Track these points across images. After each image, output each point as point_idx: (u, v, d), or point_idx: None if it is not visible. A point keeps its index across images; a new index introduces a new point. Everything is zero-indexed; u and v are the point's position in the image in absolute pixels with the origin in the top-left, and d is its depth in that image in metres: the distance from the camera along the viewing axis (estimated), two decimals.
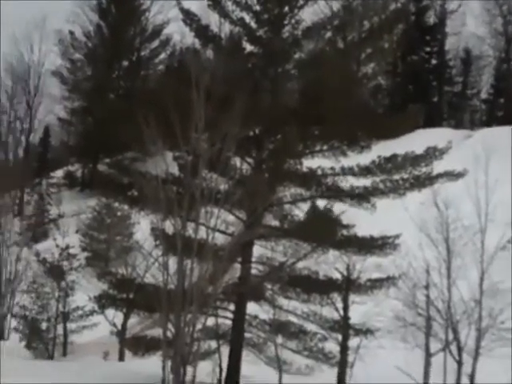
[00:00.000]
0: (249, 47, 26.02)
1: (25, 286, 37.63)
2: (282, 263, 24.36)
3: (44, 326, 35.29)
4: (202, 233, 19.58)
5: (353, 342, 24.81)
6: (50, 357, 34.30)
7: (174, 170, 23.02)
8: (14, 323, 38.12)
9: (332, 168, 24.24)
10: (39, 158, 77.70)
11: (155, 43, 75.40)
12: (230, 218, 23.19)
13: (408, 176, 23.95)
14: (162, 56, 75.69)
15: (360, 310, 24.73)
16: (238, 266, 24.36)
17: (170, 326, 19.04)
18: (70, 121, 78.40)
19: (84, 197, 65.71)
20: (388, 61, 64.88)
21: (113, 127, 44.92)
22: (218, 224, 20.09)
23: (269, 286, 24.61)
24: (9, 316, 40.53)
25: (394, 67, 65.11)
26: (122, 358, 33.61)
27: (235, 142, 20.33)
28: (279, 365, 23.75)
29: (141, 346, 26.09)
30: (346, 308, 24.90)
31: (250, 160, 24.95)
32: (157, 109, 20.39)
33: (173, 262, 19.48)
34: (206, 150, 20.18)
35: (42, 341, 35.08)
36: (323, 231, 23.43)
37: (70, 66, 76.33)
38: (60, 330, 35.38)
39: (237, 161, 24.17)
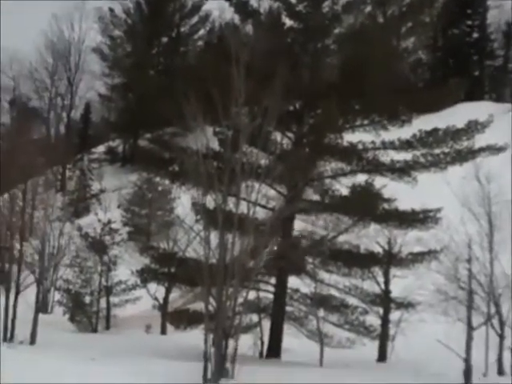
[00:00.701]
0: (288, 22, 25.94)
1: (68, 261, 38.01)
2: (323, 237, 24.37)
3: (87, 299, 35.69)
4: (243, 207, 19.65)
5: (394, 315, 24.85)
6: (94, 330, 34.71)
7: (215, 144, 23.11)
8: (57, 296, 38.62)
9: (373, 142, 24.16)
10: (80, 134, 78.09)
11: (194, 19, 75.16)
12: (271, 192, 23.26)
13: (449, 150, 23.81)
14: (202, 32, 75.42)
15: (401, 283, 24.72)
16: (279, 240, 24.43)
17: (211, 299, 19.17)
18: (111, 97, 78.59)
19: (125, 172, 66.03)
20: (428, 35, 64.13)
21: (153, 103, 45.06)
22: (259, 198, 20.16)
23: (310, 260, 24.66)
24: (52, 289, 41.06)
25: (434, 41, 64.34)
26: (164, 331, 33.92)
27: (276, 116, 20.33)
28: (320, 338, 23.84)
29: (183, 319, 26.36)
30: (387, 282, 24.93)
31: (290, 135, 24.97)
32: (197, 84, 20.48)
33: (214, 237, 19.56)
34: (246, 125, 20.20)
35: (86, 314, 35.49)
36: (364, 205, 23.41)
37: (110, 43, 76.48)
38: (103, 303, 35.79)
39: (277, 135, 24.19)
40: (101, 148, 74.08)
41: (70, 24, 77.00)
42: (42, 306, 33.47)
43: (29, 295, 29.36)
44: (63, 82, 78.90)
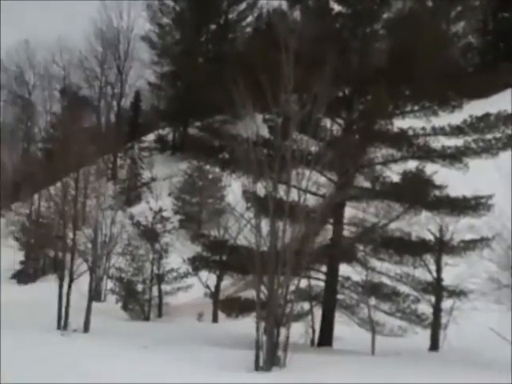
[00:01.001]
0: (336, 7, 25.75)
1: (120, 249, 38.33)
2: (374, 224, 24.23)
3: (139, 287, 36.02)
4: (294, 195, 19.61)
5: (446, 303, 24.65)
6: (146, 318, 35.02)
7: (265, 132, 23.08)
8: (110, 285, 39.02)
9: (423, 128, 23.92)
10: (130, 123, 78.66)
11: (242, 6, 75.16)
12: (322, 179, 23.16)
13: (501, 135, 23.46)
14: (250, 19, 75.42)
15: (453, 271, 24.51)
16: (329, 227, 24.37)
17: (263, 287, 19.18)
18: (160, 85, 78.99)
19: (175, 160, 66.38)
20: (478, 18, 63.25)
21: (202, 91, 45.22)
22: (310, 185, 20.10)
23: (361, 248, 24.55)
24: (105, 278, 41.50)
25: (484, 25, 63.39)
26: (215, 319, 34.10)
27: (325, 103, 20.22)
28: (372, 326, 23.74)
29: (234, 307, 26.44)
30: (438, 270, 24.74)
31: (340, 121, 24.83)
32: (246, 71, 20.44)
33: (265, 224, 19.55)
34: (296, 112, 20.14)
35: (138, 302, 35.82)
36: (415, 192, 23.23)
37: (159, 31, 76.84)
38: (155, 291, 36.09)
39: (327, 122, 24.07)
40: (151, 136, 74.56)
41: (118, 12, 77.72)
42: (95, 295, 33.87)
43: (82, 284, 29.69)
44: (113, 70, 79.63)
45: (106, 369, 16.25)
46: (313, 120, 20.17)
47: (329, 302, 24.41)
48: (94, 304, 29.56)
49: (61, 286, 28.90)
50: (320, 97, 19.71)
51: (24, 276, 59.32)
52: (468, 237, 23.88)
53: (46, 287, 43.15)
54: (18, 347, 19.01)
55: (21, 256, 60.26)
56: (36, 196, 56.81)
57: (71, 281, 28.89)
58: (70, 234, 31.50)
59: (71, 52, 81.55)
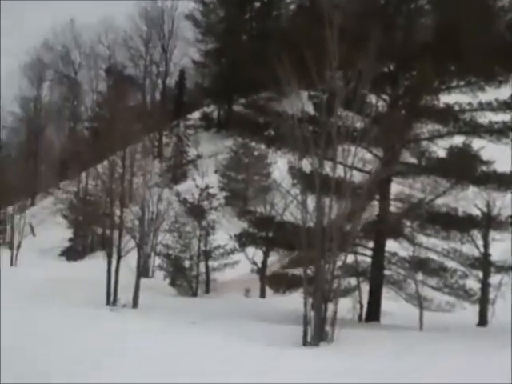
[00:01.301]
0: None
1: (167, 226, 38.62)
2: (421, 200, 24.17)
3: (187, 264, 36.27)
4: (340, 171, 19.64)
5: (494, 279, 24.56)
6: (194, 294, 35.31)
7: (310, 108, 23.09)
8: (158, 261, 39.38)
9: (469, 103, 23.73)
10: (175, 101, 78.99)
11: None
12: (367, 155, 23.12)
13: None
14: None
15: (501, 247, 24.40)
16: (376, 203, 24.38)
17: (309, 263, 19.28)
18: (205, 63, 79.18)
19: (220, 137, 66.61)
20: None
21: (247, 68, 45.14)
22: (355, 162, 20.10)
23: (407, 223, 24.50)
24: (153, 254, 41.90)
25: None
26: (263, 295, 34.27)
27: (370, 79, 20.19)
28: (419, 302, 23.71)
29: (281, 283, 26.58)
30: (486, 245, 24.65)
31: (385, 97, 24.75)
32: (290, 48, 20.43)
33: (311, 201, 19.63)
34: (341, 88, 20.13)
35: (186, 278, 36.09)
36: (462, 167, 23.11)
37: (203, 9, 76.91)
38: (202, 268, 36.33)
39: (372, 98, 24.01)
40: (196, 114, 74.82)
41: None
42: (143, 271, 34.19)
43: (130, 260, 30.05)
44: (157, 49, 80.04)
45: (156, 344, 16.51)
46: (358, 96, 20.13)
47: (376, 277, 24.43)
48: (142, 280, 29.91)
49: (109, 263, 29.30)
50: (365, 73, 19.68)
51: (73, 253, 60.18)
52: None
53: (95, 264, 43.72)
54: (69, 323, 19.36)
55: (69, 233, 61.11)
56: (83, 174, 57.43)
57: (119, 257, 29.26)
58: (118, 212, 31.87)
59: (116, 32, 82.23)
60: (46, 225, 64.88)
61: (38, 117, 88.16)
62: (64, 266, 53.73)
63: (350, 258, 22.37)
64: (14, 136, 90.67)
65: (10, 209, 62.44)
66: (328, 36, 19.24)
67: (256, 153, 49.74)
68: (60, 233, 59.92)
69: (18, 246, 56.15)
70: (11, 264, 54.22)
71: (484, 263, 24.40)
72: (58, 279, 36.36)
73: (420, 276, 24.02)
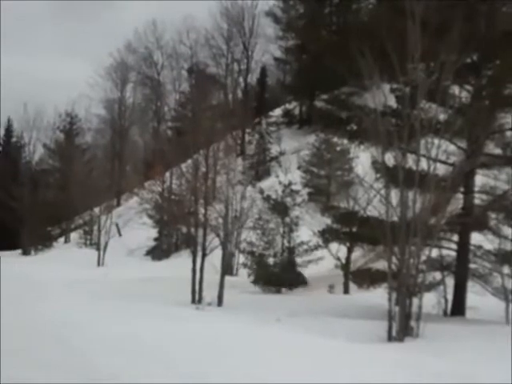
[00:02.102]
0: None
1: (251, 223, 38.72)
2: (506, 192, 23.70)
3: (271, 261, 36.27)
4: (423, 164, 19.41)
5: None
6: (278, 291, 35.29)
7: (392, 102, 22.89)
8: (242, 259, 39.54)
9: None
10: (257, 98, 79.25)
11: None
12: (451, 147, 22.79)
13: None
14: None
15: None
16: (460, 196, 24.02)
17: (393, 258, 19.11)
18: (286, 59, 79.33)
19: (303, 134, 66.63)
20: None
21: (328, 63, 44.95)
22: (439, 154, 19.84)
23: (493, 216, 24.07)
24: (237, 252, 42.09)
25: None
26: (346, 290, 34.09)
27: (453, 70, 19.89)
28: (506, 295, 23.27)
29: (365, 278, 26.44)
30: None
31: (468, 87, 24.35)
32: (371, 41, 20.27)
33: (394, 195, 19.45)
34: (423, 80, 19.88)
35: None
36: None
37: (283, 6, 77.03)
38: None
39: (455, 89, 23.67)
40: (278, 111, 75.02)
41: None
42: (227, 269, 34.34)
43: (214, 258, 30.22)
44: (239, 47, 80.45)
45: (241, 342, 16.55)
46: (441, 87, 19.89)
47: (461, 271, 24.06)
48: (227, 278, 30.03)
49: (194, 262, 29.52)
50: (448, 64, 19.40)
51: (158, 252, 60.86)
52: None
53: (180, 263, 44.15)
54: (157, 322, 19.56)
55: (154, 233, 61.80)
56: (168, 174, 57.99)
57: (204, 256, 29.47)
58: (202, 210, 32.11)
59: (198, 31, 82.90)
60: (132, 225, 65.74)
61: (122, 118, 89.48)
62: (149, 265, 54.41)
63: (435, 252, 22.04)
64: (100, 138, 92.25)
65: (96, 209, 63.49)
66: (409, 27, 19.01)
67: (338, 148, 49.58)
68: (145, 232, 60.66)
69: (105, 247, 57.11)
70: (98, 264, 55.18)
71: None
72: (144, 278, 36.83)
73: (506, 269, 23.57)
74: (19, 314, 19.74)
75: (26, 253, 67.44)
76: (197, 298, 28.49)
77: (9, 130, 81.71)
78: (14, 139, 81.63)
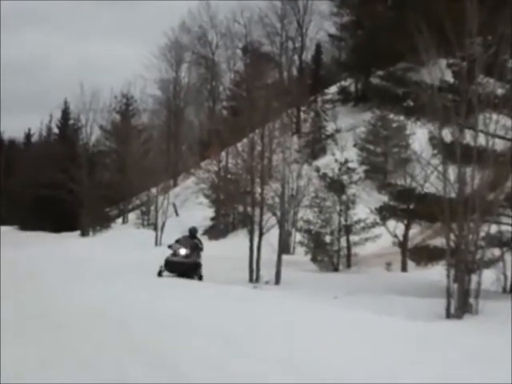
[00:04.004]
0: None
1: (307, 202, 38.70)
2: None
3: (328, 239, 36.26)
4: (481, 139, 19.18)
5: None
6: (335, 269, 35.31)
7: (449, 77, 22.62)
8: (298, 237, 39.55)
9: None
10: (312, 76, 78.86)
11: None
12: (510, 122, 22.44)
13: None
14: None
15: None
16: None
17: (452, 235, 18.96)
18: (341, 36, 78.78)
19: (358, 111, 66.22)
20: None
21: (384, 39, 44.67)
22: (497, 129, 19.58)
23: None
24: (293, 230, 42.11)
25: None
26: (404, 268, 33.94)
27: (511, 43, 19.57)
28: None
29: (423, 255, 26.24)
30: None
31: None
32: (428, 16, 20.03)
33: (452, 171, 19.26)
34: (481, 55, 19.60)
35: (327, 253, 36.11)
36: None
37: None
38: (343, 242, 36.25)
39: None
40: (333, 88, 74.61)
41: None
42: (284, 247, 34.37)
43: (271, 237, 30.27)
44: (293, 25, 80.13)
45: (299, 319, 16.56)
46: (499, 62, 19.57)
47: None
48: (284, 257, 30.09)
49: (251, 241, 29.63)
50: (505, 37, 19.09)
51: (215, 232, 61.07)
52: None
53: (237, 242, 44.26)
54: (217, 301, 19.64)
55: (211, 213, 62.03)
56: (224, 153, 58.10)
57: (261, 235, 29.56)
58: (258, 189, 32.16)
59: (252, 9, 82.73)
60: (189, 205, 66.09)
61: (177, 98, 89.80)
62: (207, 244, 54.60)
63: (494, 228, 21.77)
64: (155, 118, 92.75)
65: (153, 190, 63.93)
66: (467, 1, 18.75)
67: (394, 125, 49.17)
68: (202, 212, 60.87)
69: (162, 227, 57.52)
70: (155, 244, 55.61)
71: None
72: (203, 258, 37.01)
73: None
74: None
75: (84, 234, 68.29)
76: (254, 277, 28.60)
77: (66, 113, 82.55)
78: (71, 121, 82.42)
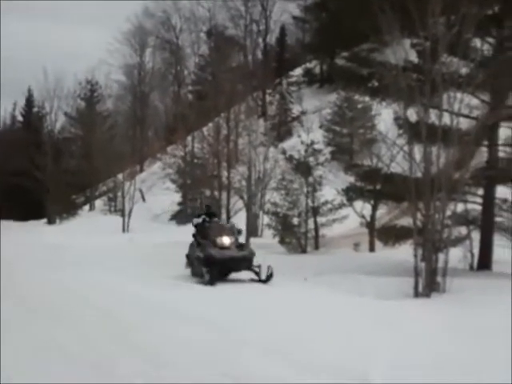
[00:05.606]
0: None
1: (274, 184, 38.74)
2: None
3: (295, 221, 36.27)
4: (446, 119, 19.26)
5: None
6: (303, 251, 35.36)
7: (413, 57, 22.68)
8: (266, 220, 39.58)
9: None
10: (277, 59, 78.84)
11: None
12: (474, 101, 22.59)
13: None
14: None
15: None
16: (484, 149, 23.85)
17: (418, 214, 19.07)
18: (305, 18, 78.75)
19: (323, 92, 66.31)
20: None
21: (348, 20, 44.51)
22: (462, 108, 19.67)
23: None
24: (261, 213, 42.14)
25: None
26: (372, 248, 34.10)
27: (474, 22, 19.63)
28: None
29: (391, 235, 26.39)
30: None
31: (490, 40, 24.06)
32: None
33: (418, 150, 19.35)
34: (444, 34, 19.65)
35: (295, 235, 36.10)
36: None
37: None
38: (311, 224, 36.30)
39: (477, 42, 23.39)
40: (298, 70, 74.69)
41: None
42: (252, 230, 34.40)
43: (239, 220, 30.28)
44: (257, 7, 79.84)
45: (272, 302, 16.66)
46: (462, 41, 19.62)
47: (487, 225, 23.94)
48: (252, 239, 30.15)
49: None
50: (469, 16, 19.14)
51: (183, 217, 60.97)
52: None
53: None
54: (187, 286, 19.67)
55: (178, 197, 61.93)
56: (189, 138, 58.03)
57: (229, 218, 29.58)
58: (225, 173, 32.22)
59: None
60: (156, 190, 65.95)
61: (142, 83, 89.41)
62: (174, 229, 54.54)
63: (460, 207, 21.94)
64: (121, 104, 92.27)
65: (119, 176, 63.75)
66: None
67: (360, 105, 49.37)
68: (169, 197, 60.76)
69: (130, 213, 57.42)
70: (123, 230, 55.51)
71: None
72: (171, 243, 36.96)
73: None
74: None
75: (51, 222, 67.95)
76: None
77: (30, 100, 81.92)
78: (35, 109, 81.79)
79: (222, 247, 20.34)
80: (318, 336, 12.02)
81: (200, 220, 21.80)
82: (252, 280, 20.50)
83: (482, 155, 23.69)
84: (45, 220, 68.82)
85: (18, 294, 16.65)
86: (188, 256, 22.09)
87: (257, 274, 20.64)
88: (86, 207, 74.60)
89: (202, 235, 21.01)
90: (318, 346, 11.22)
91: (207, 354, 10.69)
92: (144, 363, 10.14)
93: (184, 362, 10.25)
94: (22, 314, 14.08)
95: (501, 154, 24.14)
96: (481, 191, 24.07)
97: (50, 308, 15.03)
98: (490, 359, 10.36)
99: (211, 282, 19.51)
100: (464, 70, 21.10)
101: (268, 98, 70.13)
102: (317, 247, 36.27)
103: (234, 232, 21.34)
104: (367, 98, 34.00)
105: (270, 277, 20.49)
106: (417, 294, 17.99)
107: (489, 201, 23.83)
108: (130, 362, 10.18)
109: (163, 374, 9.60)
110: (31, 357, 10.43)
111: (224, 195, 34.27)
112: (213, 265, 19.70)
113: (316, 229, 36.33)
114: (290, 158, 37.91)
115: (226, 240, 20.48)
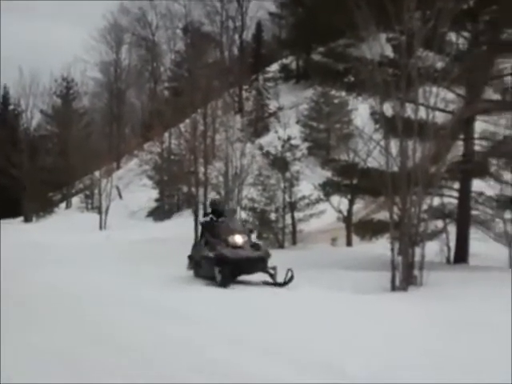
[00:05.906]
0: None
1: (251, 180, 38.73)
2: (506, 137, 23.58)
3: (273, 216, 36.29)
4: (422, 113, 19.32)
5: None
6: (281, 246, 35.38)
7: (389, 51, 22.73)
8: (243, 216, 39.57)
9: None
10: (253, 55, 78.84)
11: None
12: (449, 95, 22.67)
13: None
14: None
15: None
16: (460, 143, 23.95)
17: (395, 208, 19.12)
18: (281, 14, 78.78)
19: (300, 88, 66.40)
20: None
21: (323, 16, 44.54)
22: (438, 102, 19.73)
23: (493, 162, 24.00)
24: (238, 209, 42.10)
25: None
26: (349, 243, 34.20)
27: (449, 17, 19.69)
28: (508, 241, 23.34)
29: (367, 229, 26.47)
30: None
31: (466, 34, 24.15)
32: None
33: (394, 145, 19.40)
34: (419, 29, 19.70)
35: (272, 231, 36.12)
36: None
37: None
38: (288, 219, 36.33)
39: (452, 36, 23.48)
40: (275, 66, 74.75)
41: None
42: None
43: None
44: (233, 4, 79.76)
45: (245, 296, 16.64)
46: (438, 35, 19.69)
47: (463, 218, 24.06)
48: None
49: (196, 221, 29.57)
50: (444, 11, 19.20)
51: (160, 213, 60.92)
52: None
53: (182, 223, 44.23)
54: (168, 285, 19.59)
55: (155, 194, 61.85)
56: (166, 134, 57.93)
57: (206, 214, 29.47)
58: (202, 169, 32.14)
59: None
60: (133, 187, 65.90)
61: (118, 80, 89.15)
62: (152, 226, 54.46)
63: (436, 201, 22.04)
64: (97, 101, 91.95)
65: (96, 173, 63.52)
66: None
67: (336, 101, 49.49)
68: (146, 194, 60.71)
69: (107, 210, 57.26)
70: (100, 227, 55.35)
71: None
72: (148, 240, 36.90)
73: (508, 214, 23.58)
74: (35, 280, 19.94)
75: (27, 219, 67.60)
76: None
77: (5, 98, 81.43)
78: (11, 106, 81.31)
79: (235, 246, 18.65)
80: (295, 331, 12.03)
81: (208, 219, 20.37)
82: (266, 283, 18.86)
83: (457, 149, 23.79)
84: (21, 218, 68.43)
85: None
86: (190, 257, 20.92)
87: (272, 276, 18.79)
88: (63, 205, 74.27)
89: (212, 234, 19.44)
90: (297, 341, 11.22)
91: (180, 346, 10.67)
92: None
93: (160, 359, 10.22)
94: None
95: (477, 148, 24.25)
96: (457, 185, 24.18)
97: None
98: (468, 352, 10.40)
99: (224, 283, 18.00)
100: (439, 65, 21.19)
101: (245, 94, 70.11)
102: (294, 242, 36.30)
103: (246, 230, 19.95)
104: (343, 93, 34.08)
105: (289, 280, 18.65)
106: (394, 288, 18.05)
107: (465, 194, 23.94)
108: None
109: (153, 372, 9.55)
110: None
111: (201, 191, 34.13)
112: (225, 265, 18.11)
113: (293, 224, 36.37)
114: (266, 154, 37.90)
115: (238, 239, 18.77)
